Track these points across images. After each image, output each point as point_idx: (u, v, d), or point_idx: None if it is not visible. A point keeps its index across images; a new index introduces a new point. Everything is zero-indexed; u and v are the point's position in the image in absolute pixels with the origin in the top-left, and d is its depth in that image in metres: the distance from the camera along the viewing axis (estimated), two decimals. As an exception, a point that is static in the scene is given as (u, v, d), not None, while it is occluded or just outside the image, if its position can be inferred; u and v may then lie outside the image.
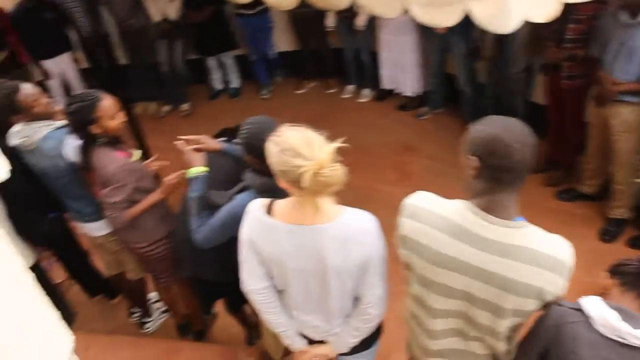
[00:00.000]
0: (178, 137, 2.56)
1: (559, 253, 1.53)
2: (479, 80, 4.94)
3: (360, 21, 5.40)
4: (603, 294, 1.61)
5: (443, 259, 1.62)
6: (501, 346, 1.70)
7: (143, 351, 3.13)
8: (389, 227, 1.94)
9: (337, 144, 1.65)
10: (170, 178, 2.71)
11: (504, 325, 1.63)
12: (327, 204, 1.79)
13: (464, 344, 1.81)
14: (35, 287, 0.93)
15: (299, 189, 1.67)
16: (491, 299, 1.59)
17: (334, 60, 6.12)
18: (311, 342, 2.18)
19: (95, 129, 2.59)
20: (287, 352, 2.74)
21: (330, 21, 5.73)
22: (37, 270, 3.25)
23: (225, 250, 2.46)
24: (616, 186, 3.76)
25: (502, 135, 1.46)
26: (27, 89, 2.78)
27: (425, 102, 5.62)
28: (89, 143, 2.64)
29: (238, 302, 2.82)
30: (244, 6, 5.68)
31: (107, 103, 2.58)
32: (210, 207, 2.41)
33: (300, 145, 1.64)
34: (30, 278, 0.92)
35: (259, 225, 1.89)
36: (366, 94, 6.05)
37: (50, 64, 5.53)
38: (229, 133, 2.92)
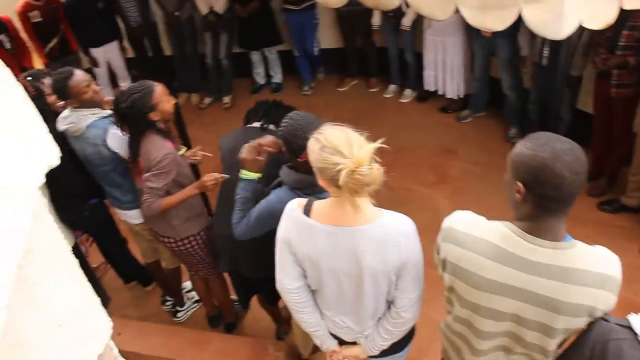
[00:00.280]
0: (258, 142, 2.44)
1: (608, 269, 1.48)
2: (524, 85, 4.86)
3: (407, 21, 5.37)
4: None
5: (489, 284, 1.59)
6: None
7: (173, 339, 3.17)
8: (424, 229, 1.93)
9: (377, 144, 1.64)
10: (209, 180, 2.75)
11: (553, 343, 1.59)
12: (366, 205, 1.78)
13: (508, 357, 1.78)
14: (80, 270, 0.95)
15: (337, 187, 1.67)
16: (541, 320, 1.55)
17: (378, 59, 6.09)
18: (342, 342, 2.18)
19: (154, 116, 2.66)
20: (315, 348, 2.75)
21: (376, 20, 5.70)
22: (77, 253, 3.33)
23: (260, 247, 2.49)
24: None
25: (553, 164, 1.38)
26: (80, 75, 2.85)
27: (467, 105, 5.55)
28: (147, 130, 2.70)
29: (273, 296, 2.84)
30: (291, 1, 5.72)
31: (160, 89, 2.66)
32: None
33: (340, 144, 1.65)
34: (76, 262, 0.94)
35: (296, 224, 1.89)
36: (408, 95, 6.00)
37: (98, 52, 5.66)
38: (263, 107, 2.89)
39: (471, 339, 1.79)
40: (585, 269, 1.46)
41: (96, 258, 3.99)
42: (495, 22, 2.42)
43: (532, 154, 1.41)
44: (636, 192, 3.95)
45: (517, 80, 4.84)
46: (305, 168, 2.00)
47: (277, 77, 6.51)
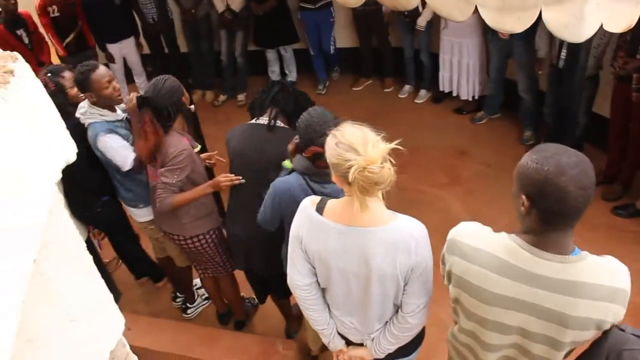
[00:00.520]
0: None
1: (619, 282, 1.46)
2: (540, 87, 4.82)
3: (422, 21, 5.34)
4: None
5: (495, 298, 1.57)
6: None
7: (183, 336, 3.19)
8: (434, 230, 1.94)
9: (392, 145, 1.65)
10: (224, 180, 2.77)
11: (560, 356, 1.58)
12: (379, 207, 1.79)
13: None
14: (94, 266, 0.95)
15: (348, 185, 1.68)
16: (549, 333, 1.53)
17: (393, 60, 6.07)
18: (349, 343, 2.18)
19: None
20: (324, 347, 2.75)
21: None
22: (90, 247, 3.35)
23: (272, 245, 2.54)
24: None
25: (557, 177, 1.34)
26: (103, 70, 2.91)
27: (482, 106, 5.52)
28: (175, 116, 2.76)
29: (285, 292, 2.86)
30: (307, 0, 5.71)
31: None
32: None
33: (355, 142, 1.66)
34: (90, 257, 0.94)
35: (309, 221, 1.91)
36: (423, 95, 5.98)
37: (114, 48, 5.69)
38: (268, 96, 2.84)
39: (477, 350, 1.78)
40: (595, 282, 1.44)
41: (108, 253, 4.01)
42: (514, 23, 2.40)
43: (537, 167, 1.39)
44: (652, 197, 3.90)
45: (532, 82, 4.80)
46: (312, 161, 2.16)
47: (292, 76, 6.50)
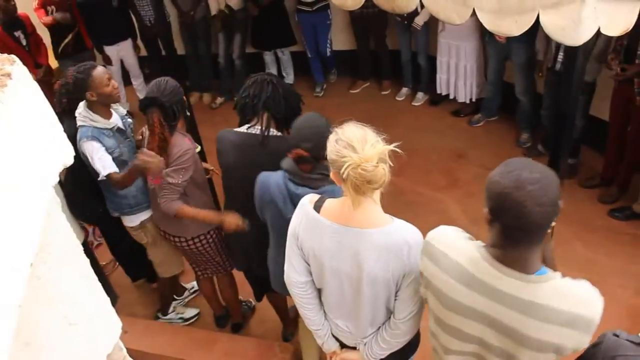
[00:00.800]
0: None
1: (581, 308, 1.41)
2: (537, 90, 4.82)
3: (419, 20, 5.32)
4: None
5: (457, 306, 1.58)
6: None
7: (180, 338, 3.19)
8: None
9: (391, 147, 1.67)
10: (233, 223, 2.80)
11: None
12: (375, 209, 1.80)
13: None
14: (91, 270, 0.95)
15: (344, 182, 1.70)
16: (506, 348, 1.53)
17: (390, 62, 6.08)
18: (344, 346, 2.19)
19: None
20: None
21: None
22: (87, 250, 3.33)
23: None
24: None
25: (514, 192, 1.33)
26: (102, 69, 2.90)
27: (479, 109, 5.52)
28: (179, 116, 2.76)
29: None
30: (304, 2, 5.71)
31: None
32: None
33: (354, 139, 1.68)
34: (87, 261, 0.94)
35: (305, 219, 1.93)
36: (420, 98, 5.98)
37: (111, 50, 5.68)
38: (254, 97, 2.67)
39: (440, 353, 1.80)
40: (553, 306, 1.41)
41: (105, 256, 4.00)
42: (512, 27, 2.40)
43: (497, 180, 1.39)
44: (649, 199, 3.90)
45: (530, 84, 4.81)
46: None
47: (289, 78, 6.50)
